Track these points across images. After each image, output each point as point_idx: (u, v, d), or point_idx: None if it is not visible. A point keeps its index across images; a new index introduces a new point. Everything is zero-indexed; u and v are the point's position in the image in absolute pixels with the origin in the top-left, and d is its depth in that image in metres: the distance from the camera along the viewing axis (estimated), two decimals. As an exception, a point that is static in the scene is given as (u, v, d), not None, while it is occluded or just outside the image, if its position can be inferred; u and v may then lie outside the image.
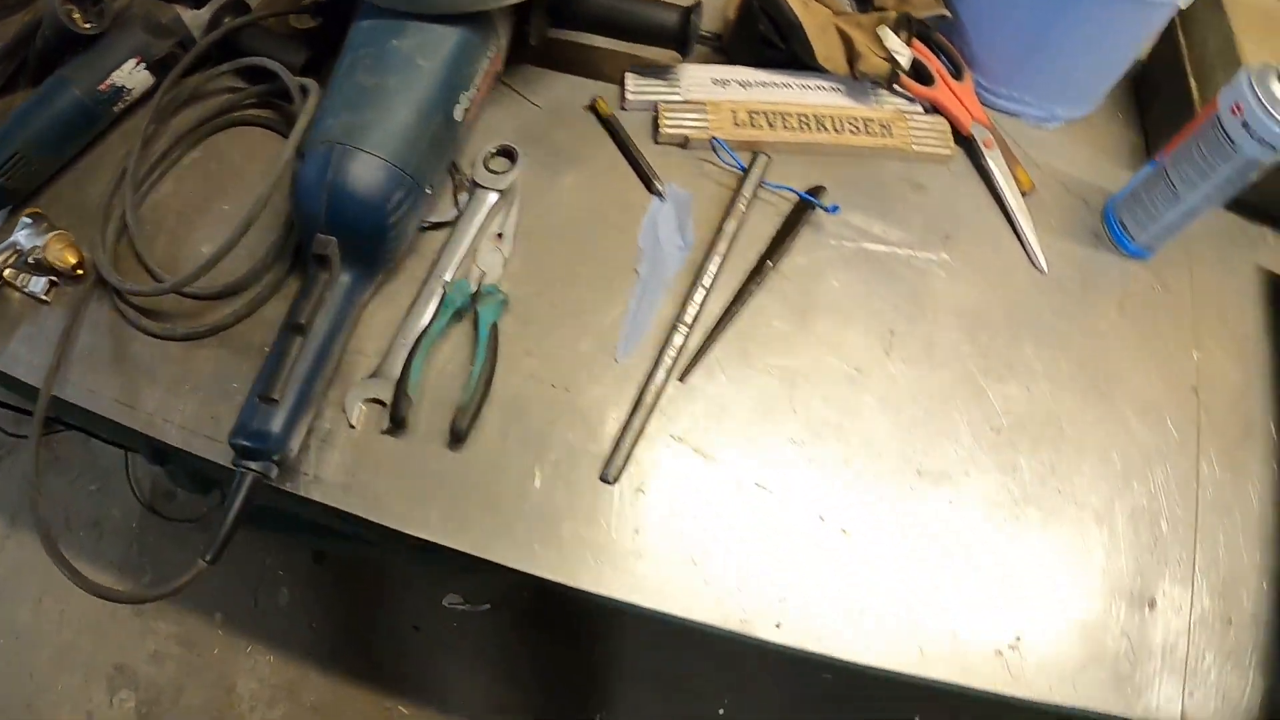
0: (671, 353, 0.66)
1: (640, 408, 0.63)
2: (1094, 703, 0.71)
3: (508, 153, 0.73)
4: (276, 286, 0.67)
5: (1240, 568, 0.78)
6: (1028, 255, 0.80)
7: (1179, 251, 0.85)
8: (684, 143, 0.78)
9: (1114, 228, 0.83)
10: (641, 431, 0.63)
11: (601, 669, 1.26)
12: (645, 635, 1.28)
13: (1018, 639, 0.69)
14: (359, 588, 1.24)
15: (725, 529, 0.63)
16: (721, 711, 1.28)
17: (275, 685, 1.19)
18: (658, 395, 0.64)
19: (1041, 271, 0.79)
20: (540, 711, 1.22)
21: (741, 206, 0.73)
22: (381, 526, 0.60)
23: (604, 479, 0.61)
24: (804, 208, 0.74)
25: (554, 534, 0.60)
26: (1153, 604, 0.74)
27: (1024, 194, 0.81)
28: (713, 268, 0.71)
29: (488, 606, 1.24)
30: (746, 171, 0.74)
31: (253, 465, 0.54)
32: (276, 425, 0.54)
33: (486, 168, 0.72)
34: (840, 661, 0.64)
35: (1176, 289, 0.84)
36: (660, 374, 0.65)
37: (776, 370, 0.70)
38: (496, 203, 0.70)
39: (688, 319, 0.68)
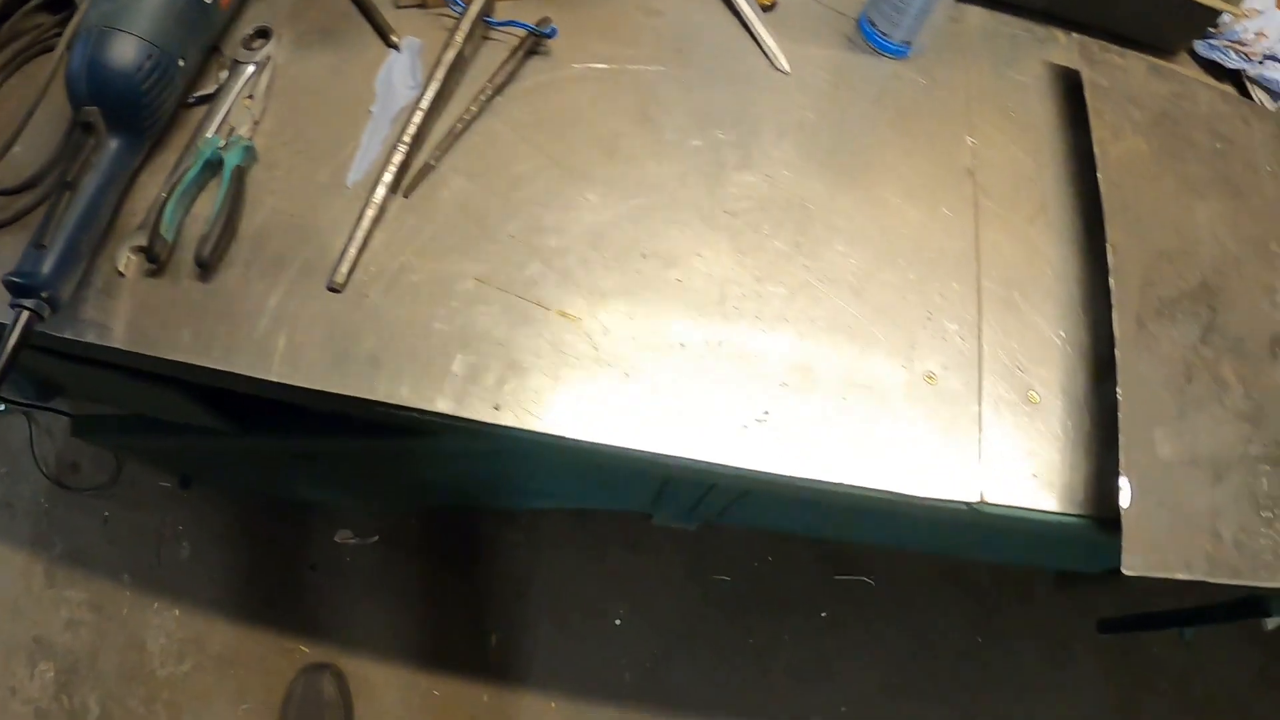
0: (392, 170, 0.63)
1: (363, 221, 0.61)
2: (874, 480, 0.62)
3: (263, 32, 0.72)
4: (71, 172, 0.66)
5: (1042, 346, 0.68)
6: (768, 60, 0.72)
7: (954, 52, 0.78)
8: (422, 4, 0.73)
9: (867, 31, 0.76)
10: (365, 244, 0.61)
11: (495, 590, 1.17)
12: (537, 552, 1.19)
13: (766, 414, 0.61)
14: (256, 533, 1.18)
15: (447, 324, 0.59)
16: (618, 622, 1.17)
17: (182, 639, 1.13)
18: (380, 209, 0.62)
19: (784, 73, 0.71)
20: (436, 636, 1.13)
21: (458, 38, 0.68)
22: (162, 364, 0.59)
23: (331, 288, 0.59)
24: (528, 38, 0.69)
25: (289, 344, 0.58)
26: (931, 377, 0.65)
27: (765, 9, 0.74)
28: (430, 92, 0.66)
29: (376, 539, 1.17)
30: (464, 9, 0.69)
31: (26, 303, 0.55)
32: (46, 267, 0.56)
33: (245, 47, 0.70)
34: (563, 439, 0.57)
35: (946, 83, 0.76)
36: (381, 190, 0.63)
37: (499, 181, 0.64)
38: (253, 74, 0.69)
39: (406, 138, 0.65)
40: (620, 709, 1.14)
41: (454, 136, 0.66)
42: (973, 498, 0.63)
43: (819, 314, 0.63)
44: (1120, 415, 0.64)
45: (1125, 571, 0.61)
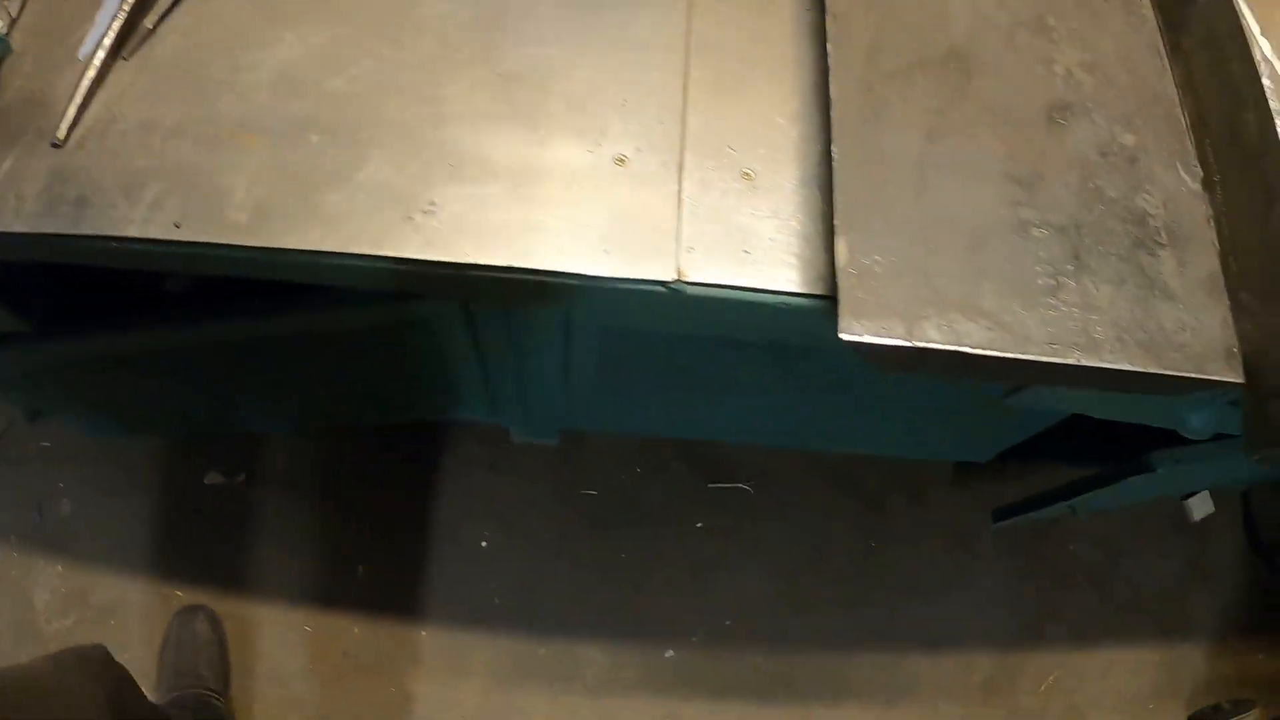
0: (111, 37, 0.62)
1: (82, 84, 0.60)
2: (557, 263, 0.52)
3: (24, -59, 0.70)
4: None
5: (763, 127, 0.59)
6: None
7: None
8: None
9: None
10: (85, 104, 0.59)
11: (361, 521, 1.07)
12: (400, 480, 1.08)
13: (432, 204, 0.53)
14: (131, 482, 1.10)
15: (146, 160, 0.57)
16: (484, 545, 1.04)
17: (66, 594, 1.06)
18: (100, 72, 0.61)
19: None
20: (305, 571, 1.03)
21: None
22: None
23: (54, 145, 0.58)
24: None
25: (16, 198, 0.56)
26: (622, 160, 0.54)
27: None
28: (150, -36, 0.64)
29: (243, 477, 1.08)
30: None
31: None
32: None
33: (12, -41, 0.71)
34: (232, 247, 0.53)
35: None
36: (100, 55, 0.61)
37: (209, 35, 0.62)
38: (19, -21, 0.70)
39: (125, 8, 0.63)
40: (491, 633, 1.02)
41: (175, 3, 0.64)
42: (668, 276, 0.51)
43: (499, 109, 0.56)
44: (835, 172, 0.52)
45: (842, 336, 0.48)
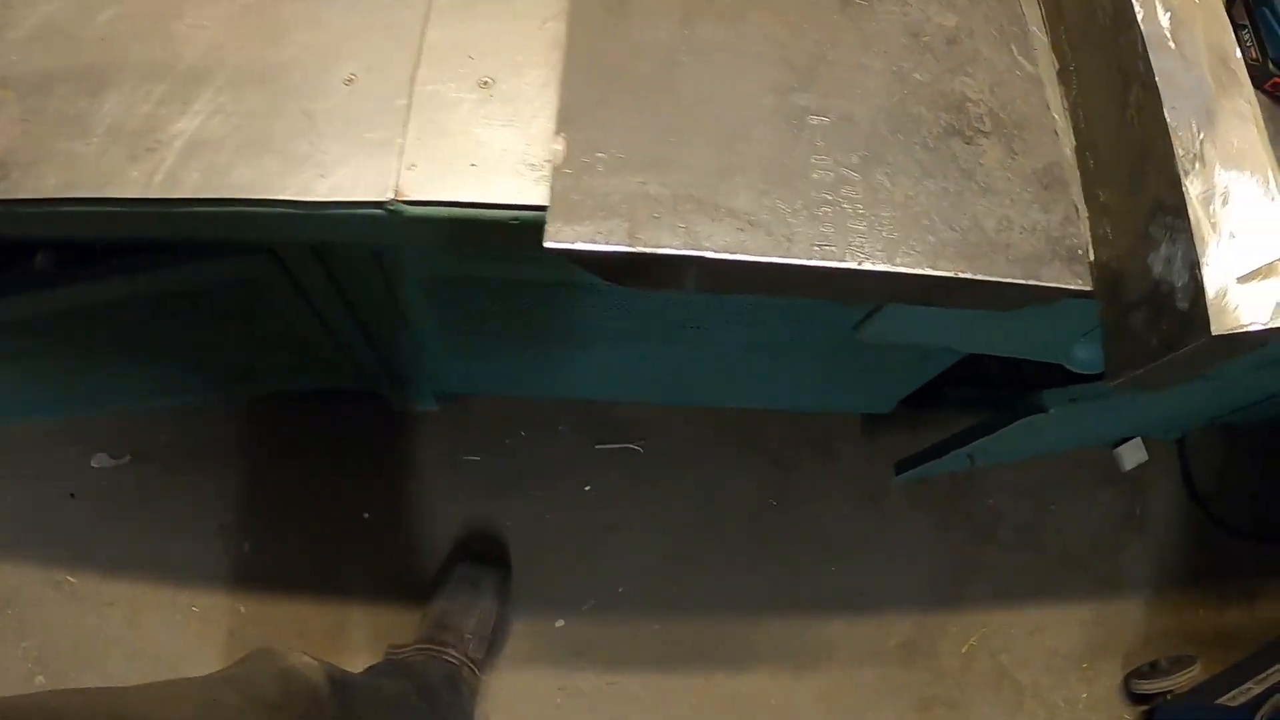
0: None
1: None
2: (267, 190, 0.47)
3: None
4: None
5: (515, 33, 0.53)
6: None
7: None
8: None
9: None
10: None
11: (246, 497, 1.03)
12: (281, 455, 1.05)
13: (158, 142, 0.49)
14: (20, 469, 1.06)
15: None
16: (367, 516, 0.99)
17: (-34, 584, 1.03)
18: None
19: None
20: (192, 550, 0.99)
21: None
22: None
23: None
24: None
25: None
26: (350, 79, 0.50)
27: None
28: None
29: (129, 458, 1.04)
30: None
31: None
32: None
33: None
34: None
35: None
36: None
37: None
38: None
39: None
40: (376, 608, 0.97)
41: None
42: (386, 196, 0.44)
43: (237, 42, 0.50)
44: (564, 67, 0.45)
45: (546, 245, 0.41)
